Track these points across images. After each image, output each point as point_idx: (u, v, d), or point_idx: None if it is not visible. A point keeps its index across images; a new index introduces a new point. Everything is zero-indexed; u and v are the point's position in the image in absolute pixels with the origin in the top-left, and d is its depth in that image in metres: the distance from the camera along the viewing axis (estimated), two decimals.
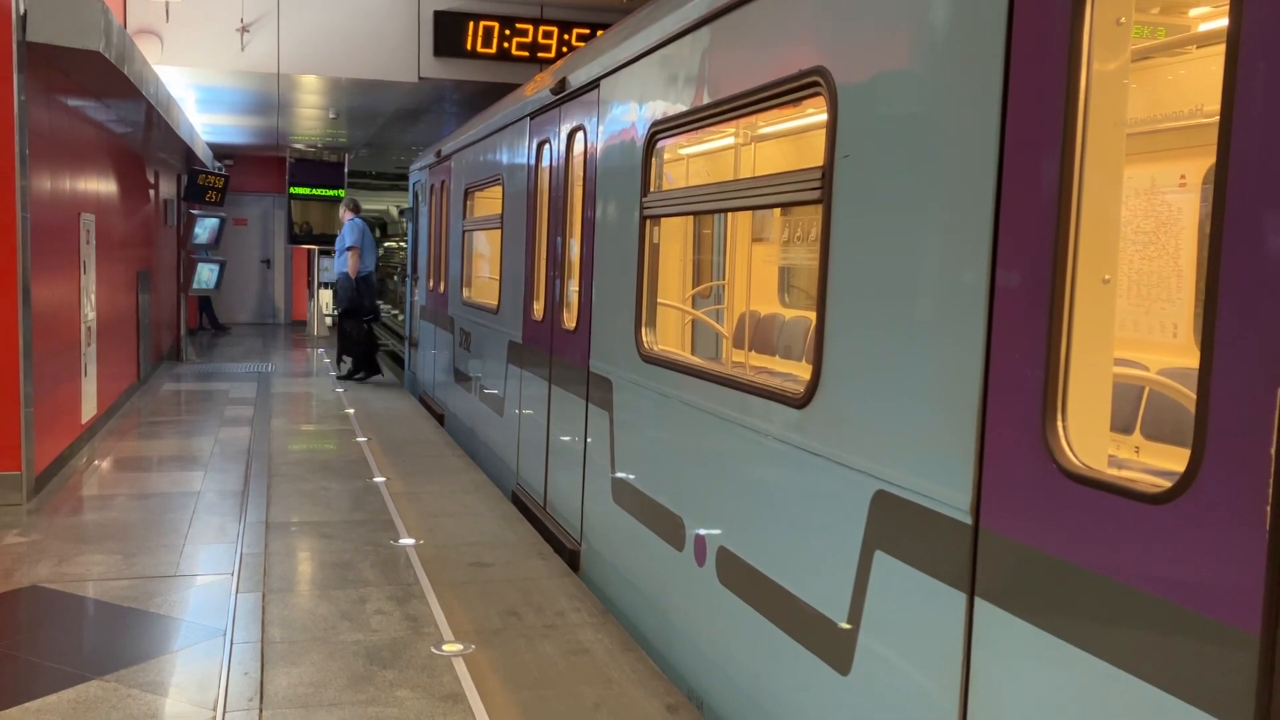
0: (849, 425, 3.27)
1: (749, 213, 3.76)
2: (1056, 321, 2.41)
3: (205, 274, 17.72)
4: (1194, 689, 2.05)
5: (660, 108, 4.93)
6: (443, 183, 11.25)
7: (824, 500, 3.37)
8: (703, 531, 4.31)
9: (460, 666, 4.46)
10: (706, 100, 4.41)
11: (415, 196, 13.93)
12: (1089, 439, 2.40)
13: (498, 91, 11.46)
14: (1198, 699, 2.04)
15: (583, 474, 5.96)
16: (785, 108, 4.03)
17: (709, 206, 5.11)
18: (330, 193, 21.29)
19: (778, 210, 6.40)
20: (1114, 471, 2.38)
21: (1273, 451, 1.89)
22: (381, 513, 7.01)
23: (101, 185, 10.44)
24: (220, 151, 20.48)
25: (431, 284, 11.99)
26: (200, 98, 14.88)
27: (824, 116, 3.44)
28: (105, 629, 5.05)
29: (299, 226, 21.07)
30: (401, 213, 22.82)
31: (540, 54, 12.68)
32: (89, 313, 9.32)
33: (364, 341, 14.04)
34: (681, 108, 4.67)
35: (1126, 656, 2.20)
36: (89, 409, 9.41)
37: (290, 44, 12.35)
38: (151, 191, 14.53)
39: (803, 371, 5.05)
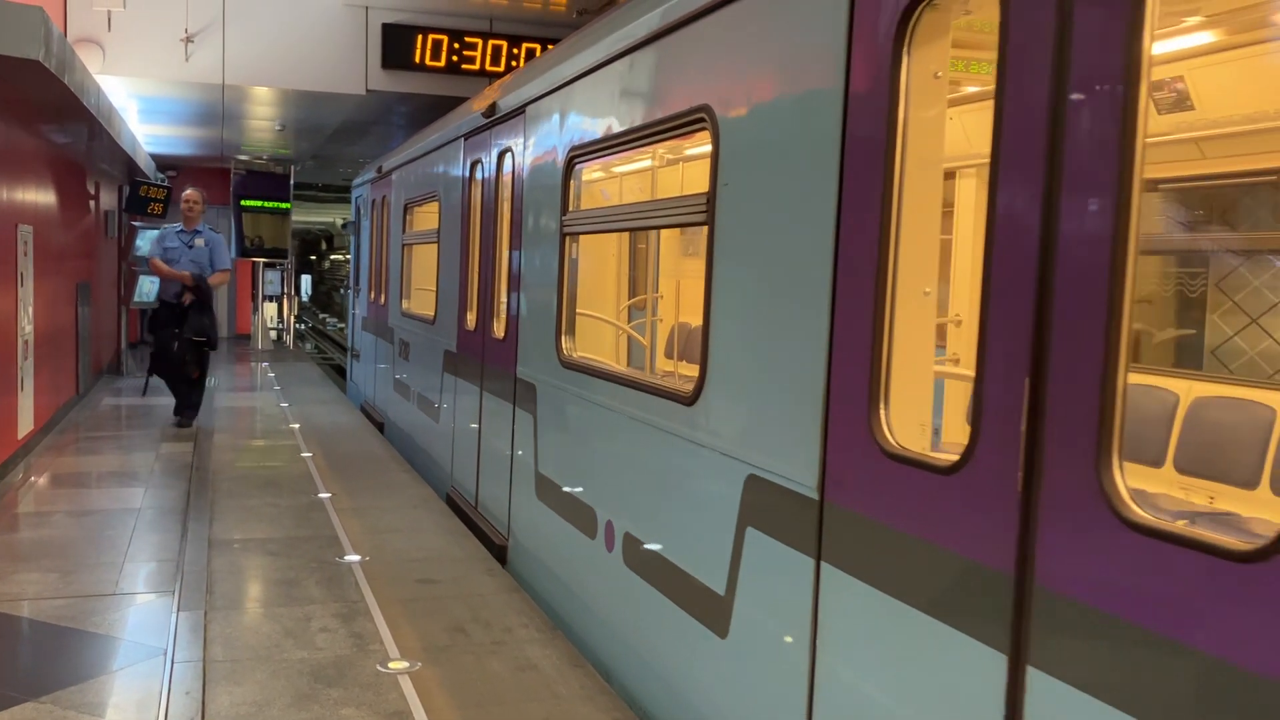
0: (727, 419, 3.76)
1: (679, 229, 4.11)
2: (881, 328, 2.87)
3: (146, 287, 17.44)
4: (962, 617, 2.53)
5: (577, 134, 5.40)
6: (384, 198, 11.60)
7: (707, 485, 3.83)
8: (611, 520, 4.76)
9: (406, 684, 4.42)
10: (615, 130, 4.88)
11: (358, 211, 14.15)
12: (909, 424, 2.88)
13: (447, 105, 11.43)
14: (967, 626, 2.50)
15: (510, 473, 6.39)
16: (688, 137, 4.48)
17: (618, 225, 5.67)
18: (277, 205, 21.06)
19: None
20: (918, 450, 2.81)
21: (1022, 429, 2.36)
22: (327, 529, 6.94)
23: (40, 196, 10.25)
24: (163, 162, 20.18)
25: (373, 296, 12.28)
26: (143, 108, 14.66)
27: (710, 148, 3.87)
28: (41, 649, 4.94)
29: (250, 240, 20.84)
30: (344, 226, 22.68)
31: (490, 68, 12.67)
32: (26, 326, 9.13)
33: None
34: (595, 135, 5.14)
35: (929, 603, 2.65)
36: (25, 424, 9.21)
37: (236, 55, 12.21)
38: (92, 203, 14.29)
39: None
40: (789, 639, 3.27)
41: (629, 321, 7.27)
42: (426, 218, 9.64)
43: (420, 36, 12.53)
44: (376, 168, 12.33)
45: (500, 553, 6.45)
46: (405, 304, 10.35)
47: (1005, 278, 2.45)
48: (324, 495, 7.90)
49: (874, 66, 2.92)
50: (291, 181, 21.52)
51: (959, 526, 2.56)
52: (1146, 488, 4.37)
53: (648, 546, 4.36)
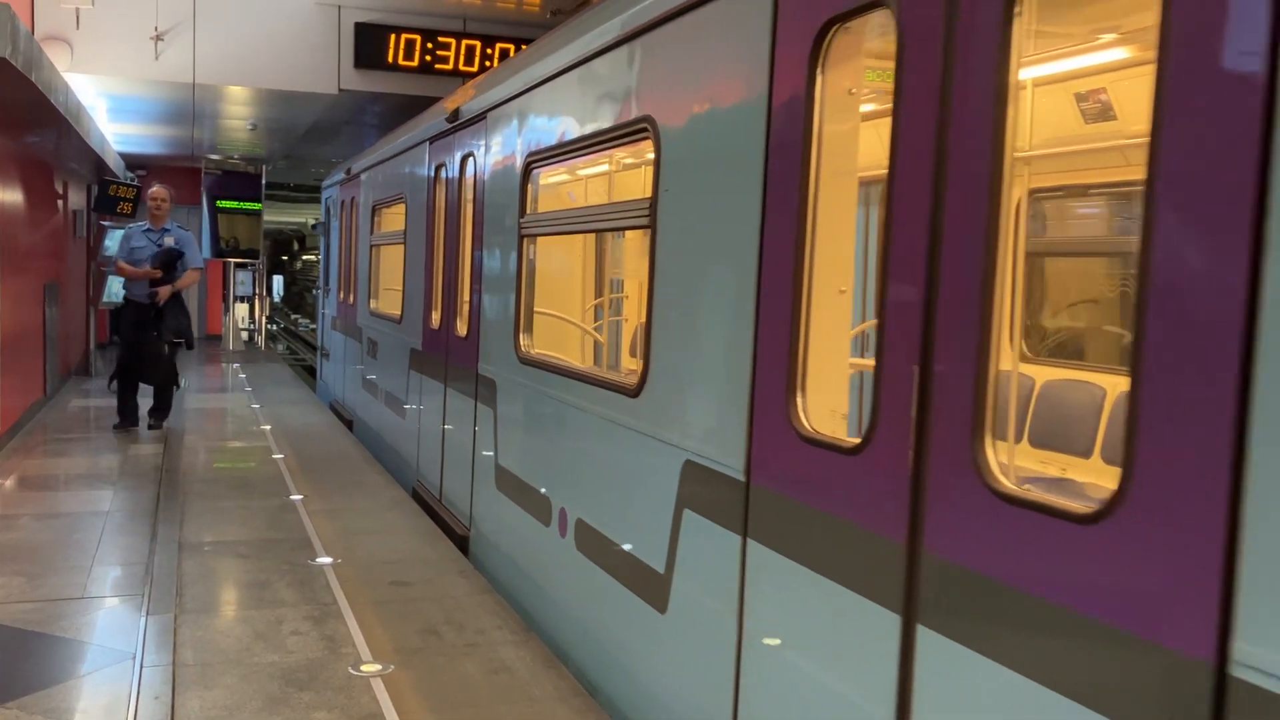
0: (667, 409, 4.03)
1: (646, 231, 4.29)
2: (799, 324, 3.15)
3: (115, 287, 17.27)
4: (870, 587, 2.81)
5: (534, 141, 5.67)
6: (352, 199, 11.85)
7: (649, 471, 4.11)
8: (565, 507, 5.06)
9: (379, 687, 4.39)
10: (569, 137, 5.18)
11: (327, 212, 14.34)
12: (822, 411, 3.17)
13: (420, 104, 11.38)
14: (873, 594, 2.78)
15: (472, 466, 6.68)
16: (636, 144, 4.68)
17: (571, 228, 5.95)
18: (248, 206, 20.91)
19: None
20: (829, 434, 3.10)
21: (912, 414, 2.64)
22: (299, 531, 6.89)
23: (6, 195, 10.13)
24: (133, 162, 19.98)
25: (342, 296, 12.52)
26: (112, 107, 14.50)
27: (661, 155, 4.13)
28: (7, 654, 4.87)
29: (225, 241, 20.70)
30: (314, 227, 22.68)
31: (463, 68, 12.63)
32: None
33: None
34: (551, 142, 5.41)
35: (837, 571, 2.95)
36: None
37: (206, 53, 12.10)
38: (60, 202, 14.13)
39: None
40: (720, 611, 3.54)
41: (597, 320, 7.34)
42: (393, 219, 9.82)
43: (393, 36, 12.46)
44: (345, 169, 12.52)
45: (462, 543, 6.74)
46: (373, 304, 10.54)
47: (898, 279, 2.74)
48: (296, 497, 7.85)
49: (792, 83, 3.21)
50: (263, 181, 21.37)
51: (861, 502, 2.88)
52: (1023, 463, 4.69)
53: (596, 531, 4.66)
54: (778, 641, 3.25)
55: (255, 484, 8.32)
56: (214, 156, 20.34)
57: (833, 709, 2.97)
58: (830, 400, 3.21)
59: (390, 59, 12.48)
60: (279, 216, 35.00)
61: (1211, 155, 1.96)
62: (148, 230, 10.50)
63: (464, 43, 12.59)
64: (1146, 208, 2.07)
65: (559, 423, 5.22)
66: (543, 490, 5.35)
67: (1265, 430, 1.79)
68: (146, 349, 10.22)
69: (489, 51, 12.61)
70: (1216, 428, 1.88)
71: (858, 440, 2.89)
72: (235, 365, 17.81)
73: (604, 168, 6.71)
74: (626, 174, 6.75)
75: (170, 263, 10.20)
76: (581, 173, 6.69)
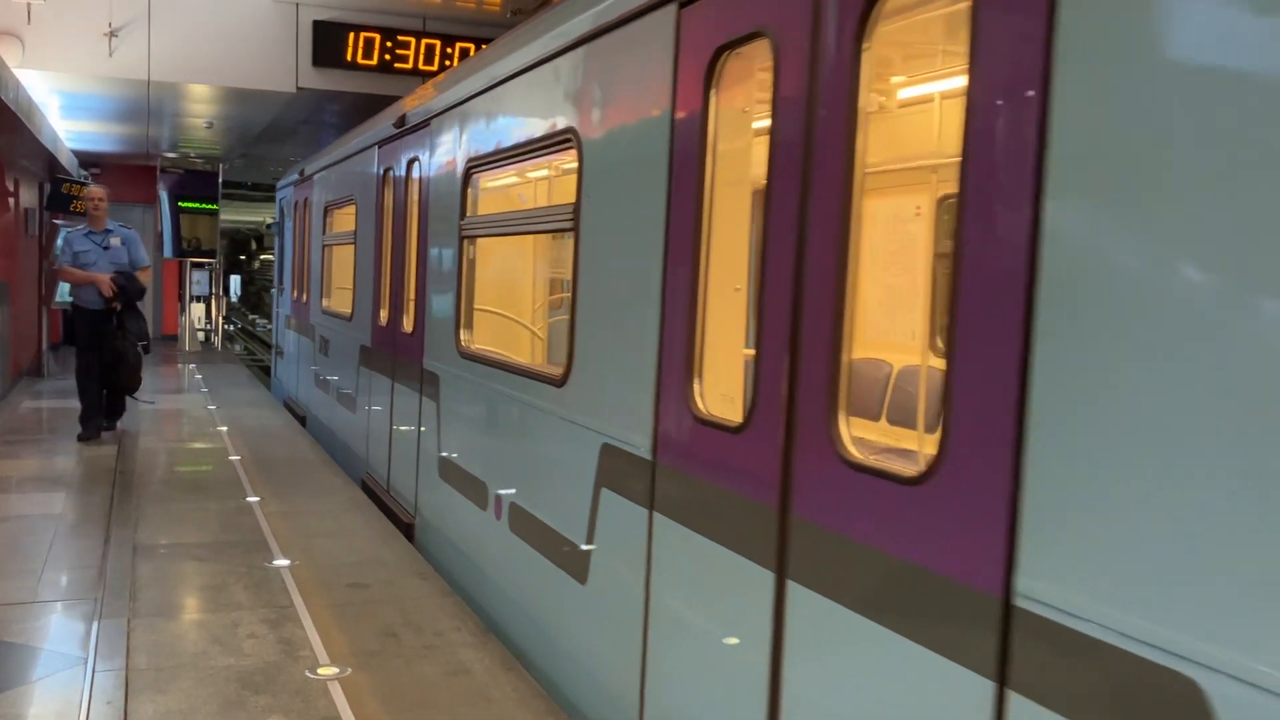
0: (588, 397, 4.40)
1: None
2: (696, 319, 3.52)
3: (69, 287, 17.02)
4: (749, 548, 3.19)
5: (473, 148, 6.03)
6: (306, 199, 12.16)
7: (573, 454, 4.46)
8: (500, 491, 5.42)
9: (336, 690, 4.37)
10: (504, 145, 5.54)
11: (282, 212, 14.63)
12: (716, 396, 3.52)
13: (379, 103, 11.32)
14: (752, 554, 3.17)
15: (417, 457, 7.02)
16: (564, 153, 4.95)
17: (506, 230, 6.19)
18: (204, 205, 20.68)
19: None
20: (720, 415, 3.44)
21: (783, 397, 3.04)
22: (255, 533, 6.83)
23: None
24: (86, 159, 19.69)
25: (295, 295, 12.86)
26: (65, 104, 14.29)
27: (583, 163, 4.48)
28: None
29: (188, 241, 20.50)
30: (268, 226, 22.58)
31: (423, 67, 12.57)
32: None
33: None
34: (488, 149, 5.77)
35: (724, 537, 3.33)
36: None
37: (162, 50, 11.96)
38: (11, 200, 13.90)
39: None
40: (631, 577, 3.92)
41: (552, 316, 7.50)
42: (345, 219, 10.08)
43: (352, 34, 12.39)
44: (299, 170, 12.80)
45: (408, 530, 7.10)
46: (326, 302, 10.86)
47: (772, 280, 3.12)
48: (252, 499, 7.78)
49: (691, 102, 3.58)
50: (220, 180, 21.14)
51: (743, 474, 3.25)
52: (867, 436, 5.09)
53: (527, 511, 5.03)
54: (677, 601, 3.65)
55: (211, 486, 8.24)
56: (170, 155, 20.10)
57: (720, 658, 3.36)
58: (724, 385, 3.57)
59: (349, 57, 12.41)
60: (237, 215, 34.64)
61: (1000, 174, 2.33)
62: (89, 233, 10.02)
63: (423, 42, 12.54)
64: (956, 223, 2.43)
65: (495, 413, 5.61)
66: (480, 477, 5.73)
67: (1038, 414, 2.18)
68: (113, 352, 9.86)
69: (449, 51, 12.57)
70: (1005, 409, 2.25)
71: (741, 420, 3.29)
72: (192, 366, 17.61)
73: (545, 173, 6.83)
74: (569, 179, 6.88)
75: (128, 278, 9.89)
76: (531, 175, 6.84)
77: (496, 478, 5.48)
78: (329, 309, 10.58)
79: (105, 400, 10.29)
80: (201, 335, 21.54)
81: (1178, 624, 1.84)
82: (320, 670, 4.56)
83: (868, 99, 2.81)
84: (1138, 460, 1.96)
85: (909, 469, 2.59)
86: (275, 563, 6.16)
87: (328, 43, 12.37)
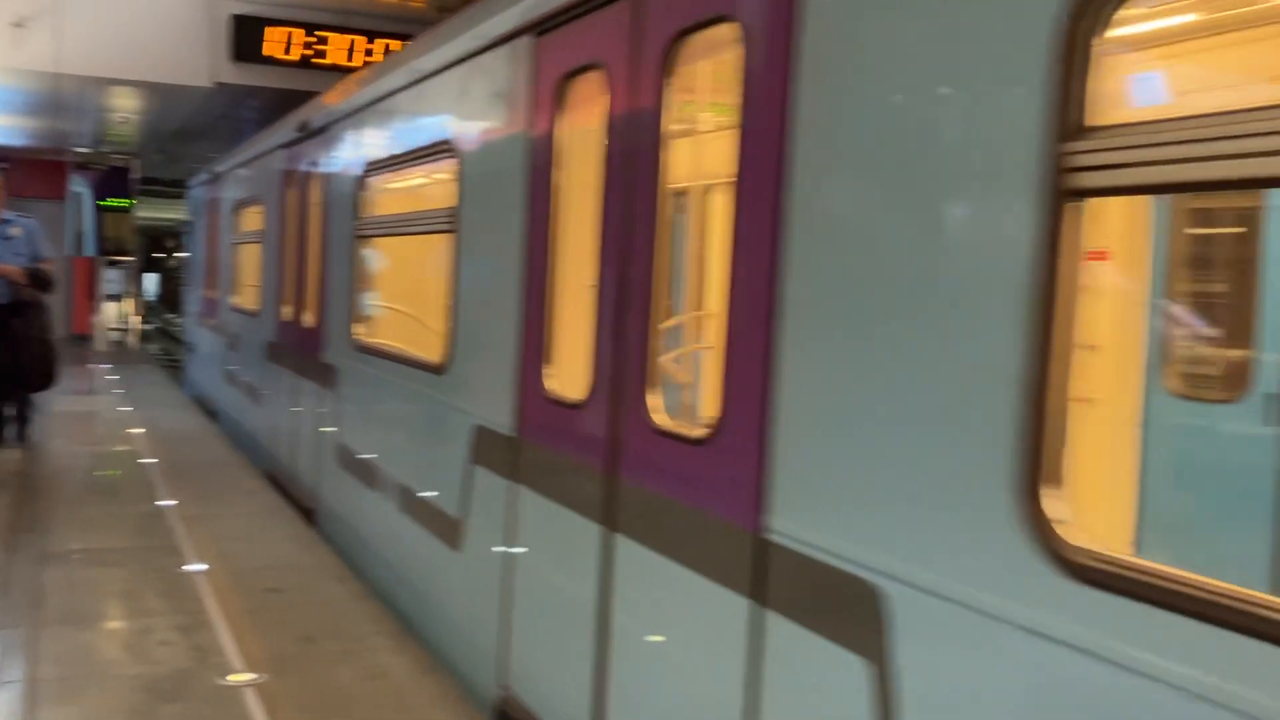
0: (464, 384, 4.88)
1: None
2: (548, 312, 3.98)
3: None
4: (586, 507, 3.67)
5: (368, 154, 6.52)
6: (216, 199, 12.61)
7: (449, 435, 4.91)
8: (389, 473, 5.86)
9: (250, 697, 4.28)
10: (394, 152, 6.04)
11: (194, 211, 15.20)
12: (564, 378, 3.95)
13: (301, 99, 11.15)
14: (587, 512, 3.66)
15: (317, 445, 7.45)
16: (443, 161, 5.39)
17: (395, 231, 6.57)
18: (118, 203, 20.18)
19: None
20: (565, 394, 3.89)
21: (610, 377, 3.54)
22: (169, 538, 6.67)
23: None
24: None
25: (206, 292, 13.32)
26: None
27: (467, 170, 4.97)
28: None
29: (111, 240, 20.02)
30: (176, 226, 22.35)
31: (345, 63, 12.40)
32: None
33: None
34: (380, 155, 6.28)
35: (568, 499, 3.81)
36: None
37: (73, 42, 11.62)
38: None
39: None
40: (496, 541, 4.40)
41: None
42: (253, 219, 10.42)
43: (271, 29, 12.18)
44: (210, 171, 13.25)
45: (309, 515, 7.46)
46: (235, 299, 11.24)
47: (604, 277, 3.64)
48: (167, 503, 7.59)
49: (543, 120, 4.09)
50: (135, 177, 20.63)
51: (583, 444, 3.72)
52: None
53: (412, 490, 5.47)
54: (533, 559, 4.15)
55: (124, 490, 8.04)
56: (83, 149, 19.56)
57: (563, 605, 3.88)
58: (572, 370, 3.96)
59: (268, 52, 12.20)
60: (155, 213, 33.83)
61: (753, 200, 2.86)
62: None
63: (345, 37, 12.37)
64: (729, 239, 2.99)
65: (384, 400, 6.10)
66: (374, 464, 6.17)
67: (780, 394, 2.72)
68: (26, 350, 9.34)
69: (371, 47, 12.42)
70: (760, 388, 2.78)
71: (582, 398, 3.75)
72: (105, 367, 17.15)
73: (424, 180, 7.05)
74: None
75: (36, 271, 9.46)
76: (418, 181, 6.91)
77: (386, 461, 5.95)
78: (238, 306, 10.91)
79: (14, 402, 9.88)
80: (115, 335, 20.99)
81: (866, 546, 2.45)
82: (234, 677, 4.47)
83: (671, 123, 3.37)
84: (838, 430, 2.57)
85: (697, 432, 3.11)
86: (189, 568, 6.03)
87: (246, 37, 12.15)
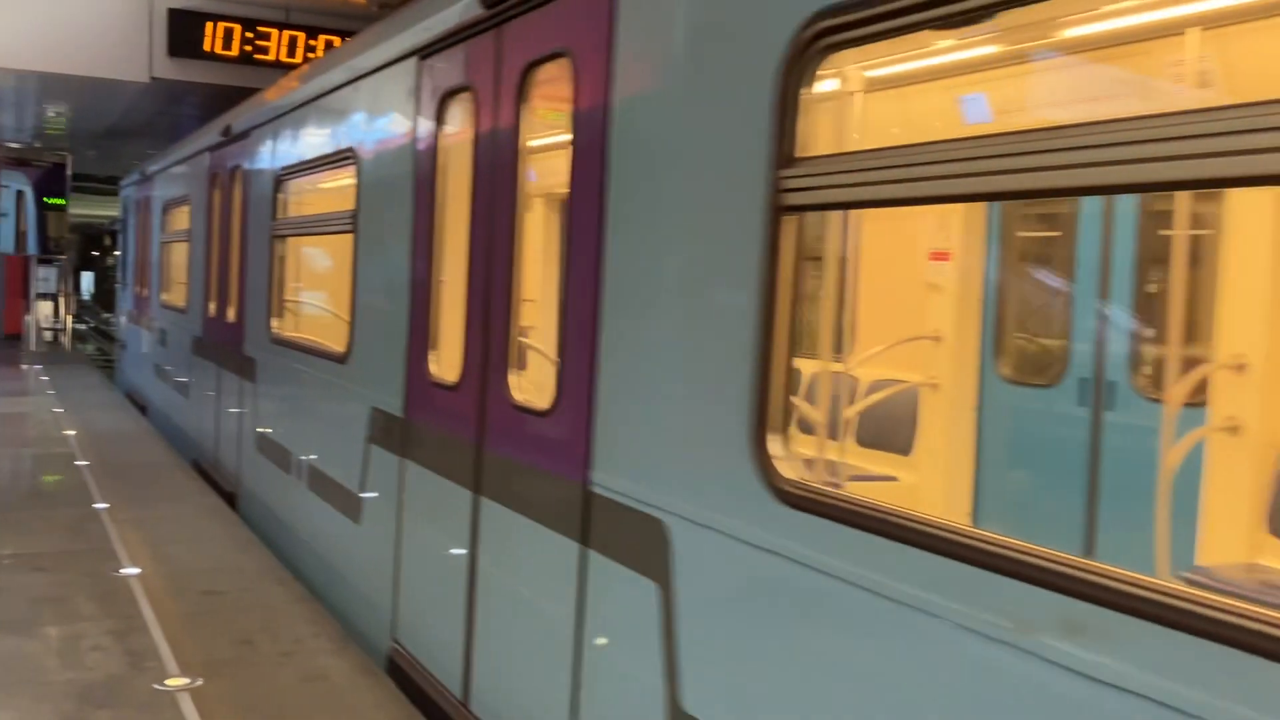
0: (363, 371, 5.38)
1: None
2: (431, 305, 4.51)
3: None
4: (459, 475, 4.19)
5: (283, 159, 7.03)
6: (147, 199, 13.03)
7: (352, 418, 5.40)
8: (300, 456, 6.35)
9: (186, 702, 4.21)
10: (305, 158, 6.55)
11: (125, 210, 15.59)
12: (443, 364, 4.45)
13: (241, 95, 10.98)
14: (460, 480, 4.16)
15: (239, 433, 7.93)
16: (345, 169, 5.86)
17: (305, 231, 7.04)
18: (54, 201, 19.74)
19: None
20: (444, 378, 4.39)
21: (479, 362, 4.02)
22: (103, 541, 6.53)
23: None
24: None
25: (138, 290, 13.68)
26: None
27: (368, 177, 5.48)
28: None
29: (55, 240, 19.60)
30: (111, 224, 22.08)
31: (286, 59, 12.24)
32: None
33: None
34: (293, 161, 6.80)
35: (445, 469, 4.31)
36: None
37: (4, 35, 11.35)
38: None
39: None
40: (389, 512, 4.89)
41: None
42: (180, 218, 10.91)
43: (210, 24, 11.98)
44: (141, 171, 13.73)
45: (231, 499, 7.92)
46: (164, 296, 11.70)
47: (472, 276, 4.13)
48: (100, 505, 7.44)
49: (427, 133, 4.61)
50: (69, 174, 20.19)
51: (457, 421, 4.21)
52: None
53: (319, 469, 5.97)
54: (417, 526, 4.64)
55: (56, 493, 7.87)
56: (13, 145, 19.09)
57: (442, 564, 4.34)
58: (448, 356, 4.41)
59: (207, 47, 12.00)
60: (91, 210, 33.14)
61: (582, 209, 3.39)
62: None
63: (286, 33, 12.20)
64: (562, 243, 3.53)
65: (297, 389, 6.56)
66: (286, 445, 6.69)
67: (600, 370, 3.27)
68: None
69: (312, 43, 12.26)
70: (586, 367, 3.31)
71: (456, 380, 4.24)
72: (37, 367, 16.76)
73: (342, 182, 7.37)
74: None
75: None
76: (340, 181, 7.35)
77: (298, 445, 6.45)
78: (167, 303, 11.39)
79: None
80: (49, 335, 20.54)
81: (655, 489, 2.98)
82: (169, 681, 4.39)
83: (527, 140, 3.87)
84: (635, 399, 3.12)
85: (543, 404, 3.63)
86: (123, 571, 5.91)
87: (184, 32, 11.93)
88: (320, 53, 12.17)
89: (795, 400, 3.38)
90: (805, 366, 6.08)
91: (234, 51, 12.11)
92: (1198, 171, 1.71)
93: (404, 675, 4.58)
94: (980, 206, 5.03)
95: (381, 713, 4.20)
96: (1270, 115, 1.58)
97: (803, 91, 2.49)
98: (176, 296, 10.90)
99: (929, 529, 2.12)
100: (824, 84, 2.82)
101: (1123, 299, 5.03)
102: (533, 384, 3.99)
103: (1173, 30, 3.76)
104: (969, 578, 2.02)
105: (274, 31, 12.17)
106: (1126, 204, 4.94)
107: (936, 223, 5.19)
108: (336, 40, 12.17)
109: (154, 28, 11.92)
